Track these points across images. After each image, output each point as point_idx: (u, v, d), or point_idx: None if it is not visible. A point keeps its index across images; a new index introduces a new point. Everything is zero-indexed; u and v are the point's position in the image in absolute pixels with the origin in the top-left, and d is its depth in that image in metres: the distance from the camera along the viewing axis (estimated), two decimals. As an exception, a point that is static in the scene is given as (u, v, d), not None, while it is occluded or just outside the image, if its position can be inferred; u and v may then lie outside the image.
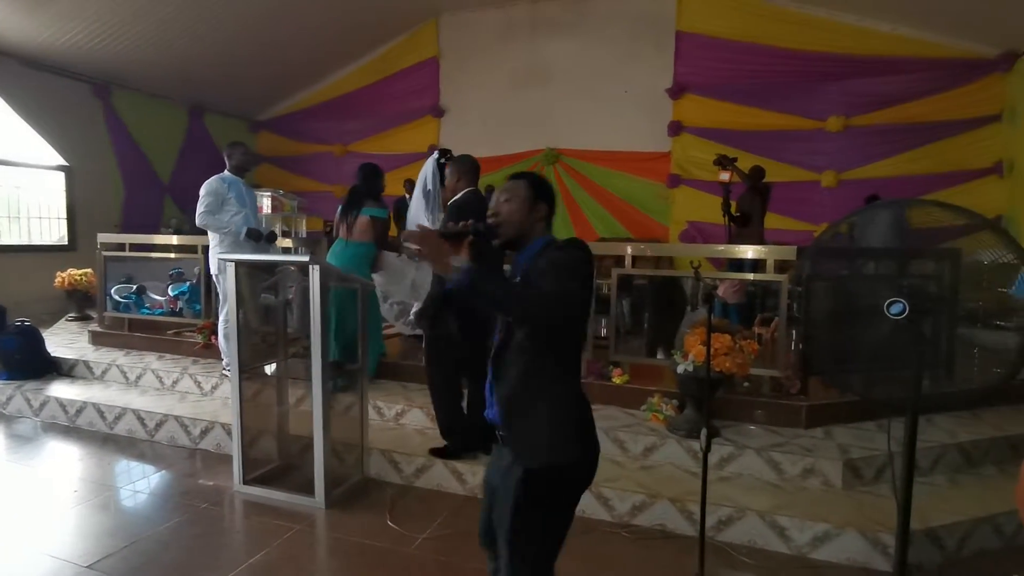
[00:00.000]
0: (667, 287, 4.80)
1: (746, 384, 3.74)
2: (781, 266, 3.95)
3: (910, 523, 2.18)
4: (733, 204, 5.94)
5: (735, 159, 5.92)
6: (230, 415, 3.38)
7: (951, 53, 6.98)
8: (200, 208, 4.31)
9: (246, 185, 4.58)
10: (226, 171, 4.49)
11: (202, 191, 4.38)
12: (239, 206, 4.40)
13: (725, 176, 5.77)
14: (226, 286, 3.59)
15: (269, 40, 8.42)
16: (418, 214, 4.38)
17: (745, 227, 6.04)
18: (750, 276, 4.50)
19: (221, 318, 4.38)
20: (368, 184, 4.34)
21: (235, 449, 3.29)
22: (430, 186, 4.33)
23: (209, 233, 4.46)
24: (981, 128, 6.92)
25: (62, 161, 7.87)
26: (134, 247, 5.89)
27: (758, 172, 6.13)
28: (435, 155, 4.43)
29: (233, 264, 3.18)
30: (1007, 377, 2.07)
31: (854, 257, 2.90)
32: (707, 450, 2.20)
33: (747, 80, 7.84)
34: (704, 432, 2.19)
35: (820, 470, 3.07)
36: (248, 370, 3.40)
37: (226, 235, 4.34)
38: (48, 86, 7.60)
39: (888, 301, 2.07)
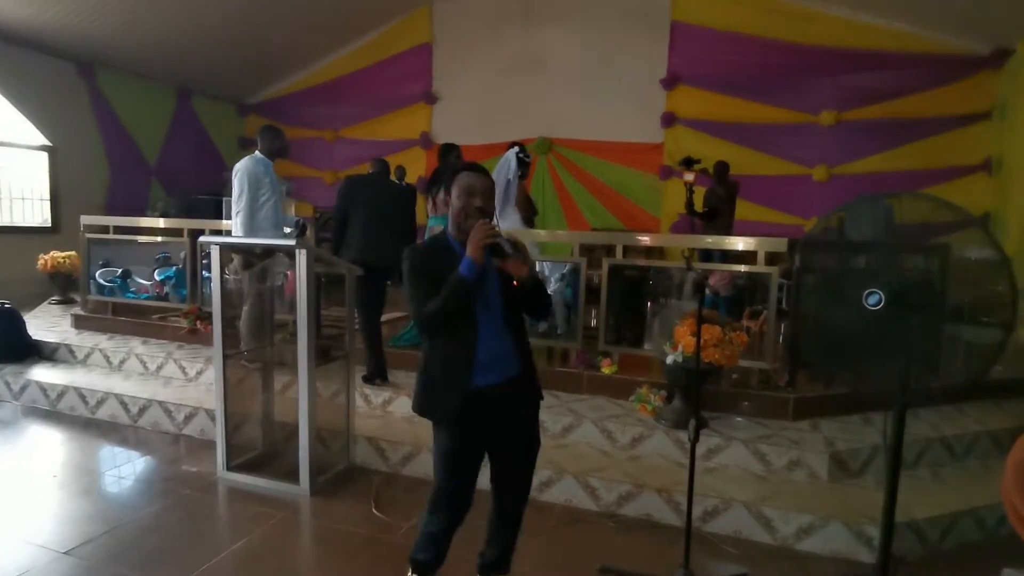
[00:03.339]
0: (637, 280, 4.80)
1: (734, 376, 3.74)
2: (771, 258, 3.94)
3: (883, 514, 2.19)
4: (698, 201, 6.16)
5: (699, 160, 6.07)
6: (214, 401, 3.33)
7: (943, 49, 6.99)
8: (240, 201, 4.04)
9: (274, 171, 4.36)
10: (257, 152, 4.23)
11: (238, 175, 4.08)
12: (271, 192, 4.19)
13: (690, 177, 5.97)
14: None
15: (259, 20, 8.26)
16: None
17: (712, 222, 6.21)
18: (741, 268, 4.49)
19: (245, 309, 4.09)
20: (446, 162, 4.55)
21: (219, 435, 3.24)
22: (510, 176, 4.58)
23: (235, 222, 4.15)
24: (971, 125, 6.94)
25: (45, 141, 7.72)
26: (119, 230, 5.79)
27: (722, 168, 6.30)
28: (516, 149, 4.58)
29: (217, 247, 3.12)
30: (983, 372, 2.09)
31: (842, 250, 2.90)
32: (695, 440, 2.19)
33: (741, 72, 7.81)
34: (692, 423, 2.18)
35: (806, 462, 3.07)
36: (240, 355, 3.36)
37: (263, 232, 4.10)
38: (31, 64, 7.43)
39: (866, 292, 2.09)
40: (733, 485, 2.96)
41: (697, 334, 2.16)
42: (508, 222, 4.56)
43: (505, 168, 4.60)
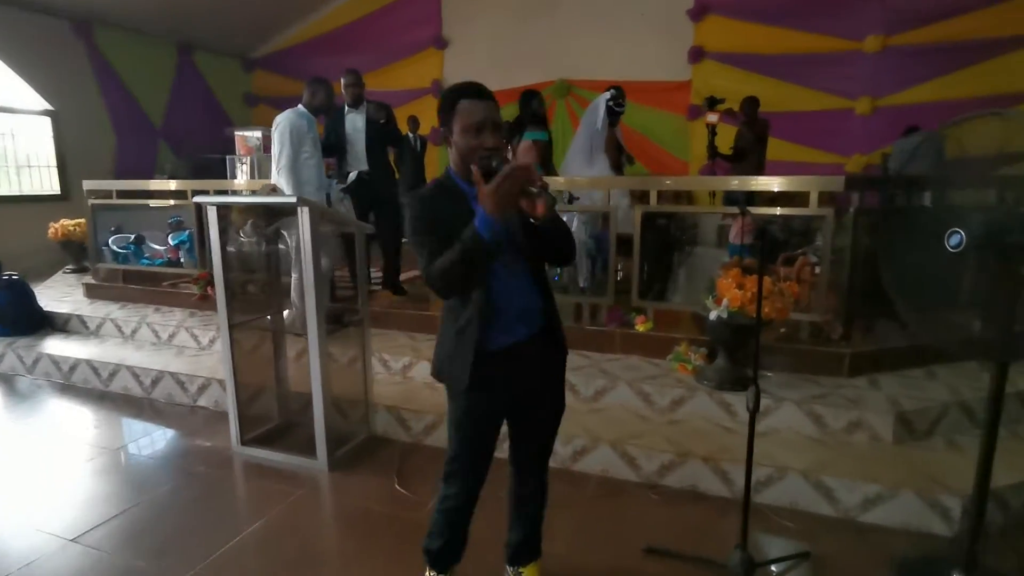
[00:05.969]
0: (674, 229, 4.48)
1: (782, 330, 3.43)
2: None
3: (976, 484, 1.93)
4: (723, 143, 5.88)
5: (723, 100, 5.74)
6: (224, 372, 3.14)
7: (1002, -38, 6.29)
8: (282, 157, 3.73)
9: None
10: (300, 106, 3.95)
11: (278, 129, 3.76)
12: (313, 149, 3.92)
13: (713, 118, 5.66)
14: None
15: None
16: (580, 150, 4.47)
17: (739, 163, 5.85)
18: (781, 210, 4.11)
19: (295, 276, 3.77)
20: (526, 109, 4.41)
21: (231, 408, 3.06)
22: (599, 125, 4.37)
23: (279, 180, 3.82)
24: (1031, 46, 6.31)
25: (47, 106, 7.47)
26: (124, 194, 5.57)
27: (752, 104, 5.88)
28: (607, 96, 4.38)
29: (215, 208, 2.86)
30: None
31: (913, 187, 2.54)
32: (755, 411, 1.91)
33: (776, -4, 7.17)
34: (752, 391, 1.90)
35: (867, 423, 2.79)
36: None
37: (306, 189, 3.79)
38: (22, 24, 7.10)
39: (948, 232, 1.78)
40: (787, 451, 2.70)
41: (759, 287, 1.85)
42: (596, 168, 4.32)
43: (593, 115, 4.36)
